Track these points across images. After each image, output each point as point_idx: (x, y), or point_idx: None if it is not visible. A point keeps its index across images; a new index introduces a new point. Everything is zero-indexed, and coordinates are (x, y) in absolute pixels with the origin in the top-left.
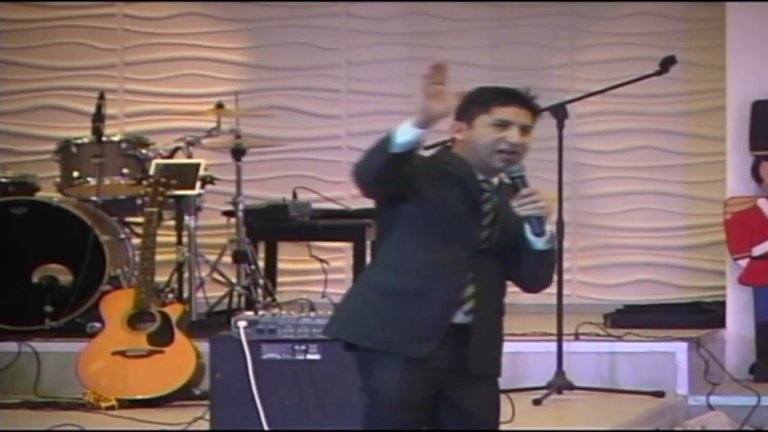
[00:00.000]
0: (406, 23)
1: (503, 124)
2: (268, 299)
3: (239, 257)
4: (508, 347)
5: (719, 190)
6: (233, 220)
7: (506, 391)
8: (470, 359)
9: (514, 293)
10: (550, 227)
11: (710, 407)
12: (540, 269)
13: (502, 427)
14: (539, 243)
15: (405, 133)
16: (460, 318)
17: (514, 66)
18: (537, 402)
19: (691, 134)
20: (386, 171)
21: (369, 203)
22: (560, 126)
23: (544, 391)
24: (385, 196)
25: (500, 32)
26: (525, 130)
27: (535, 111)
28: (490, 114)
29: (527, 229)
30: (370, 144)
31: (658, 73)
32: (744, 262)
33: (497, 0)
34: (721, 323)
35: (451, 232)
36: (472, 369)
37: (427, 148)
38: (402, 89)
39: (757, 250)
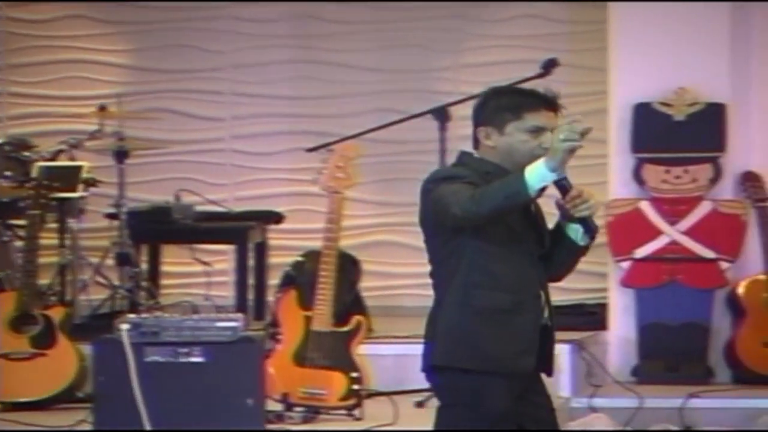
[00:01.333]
0: (291, 26)
1: (537, 131)
2: (151, 302)
3: (122, 260)
4: (392, 350)
5: (601, 192)
6: (116, 223)
7: (389, 394)
8: (549, 360)
9: (396, 295)
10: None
11: (593, 409)
12: (575, 262)
13: (386, 429)
14: (586, 239)
15: (542, 178)
16: (544, 319)
17: (399, 68)
18: (420, 404)
19: None
20: (509, 211)
21: (252, 206)
22: (442, 128)
23: (427, 394)
24: None
25: (386, 34)
26: (553, 132)
27: (558, 111)
28: (522, 120)
29: (579, 227)
30: (494, 190)
31: (540, 76)
32: (626, 265)
33: (382, 1)
34: (603, 325)
35: (517, 242)
36: (549, 369)
37: None
38: (286, 92)
39: (640, 253)
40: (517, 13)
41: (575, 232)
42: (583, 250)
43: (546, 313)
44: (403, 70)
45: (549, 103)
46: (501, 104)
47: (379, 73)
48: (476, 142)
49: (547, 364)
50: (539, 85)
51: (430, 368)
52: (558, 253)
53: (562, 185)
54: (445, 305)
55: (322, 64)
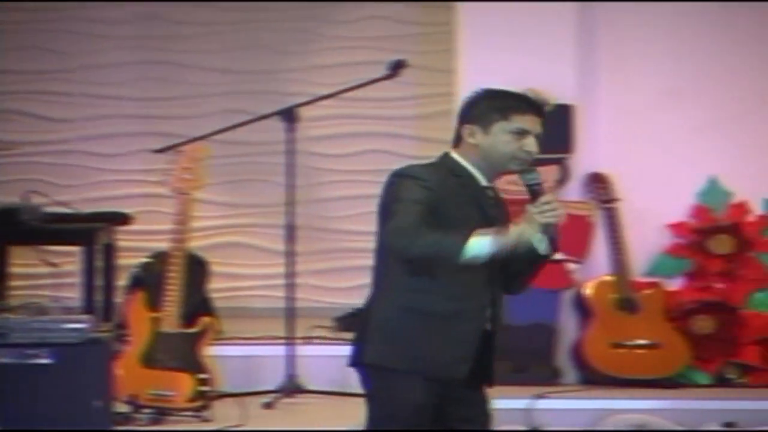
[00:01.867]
0: (140, 27)
1: (522, 133)
2: None
3: None
4: (241, 351)
5: None
6: None
7: (237, 395)
8: (488, 370)
9: (244, 297)
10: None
11: None
12: (534, 273)
13: (233, 431)
14: (548, 249)
15: (480, 250)
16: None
17: (247, 70)
18: (268, 405)
19: (421, 138)
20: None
21: (101, 208)
22: (290, 129)
23: (275, 395)
24: None
25: (233, 36)
26: (538, 138)
27: (544, 118)
28: (509, 122)
29: (541, 236)
30: (432, 240)
31: (388, 77)
32: None
33: (230, 1)
34: None
35: None
36: (490, 379)
37: None
38: (136, 93)
39: None
40: (366, 15)
41: (538, 240)
42: (542, 261)
43: (490, 324)
44: (252, 71)
45: (537, 109)
46: (491, 104)
47: (227, 75)
48: (458, 140)
49: (487, 374)
50: (387, 86)
51: (359, 365)
52: (517, 263)
53: (534, 190)
54: (383, 304)
55: (170, 65)
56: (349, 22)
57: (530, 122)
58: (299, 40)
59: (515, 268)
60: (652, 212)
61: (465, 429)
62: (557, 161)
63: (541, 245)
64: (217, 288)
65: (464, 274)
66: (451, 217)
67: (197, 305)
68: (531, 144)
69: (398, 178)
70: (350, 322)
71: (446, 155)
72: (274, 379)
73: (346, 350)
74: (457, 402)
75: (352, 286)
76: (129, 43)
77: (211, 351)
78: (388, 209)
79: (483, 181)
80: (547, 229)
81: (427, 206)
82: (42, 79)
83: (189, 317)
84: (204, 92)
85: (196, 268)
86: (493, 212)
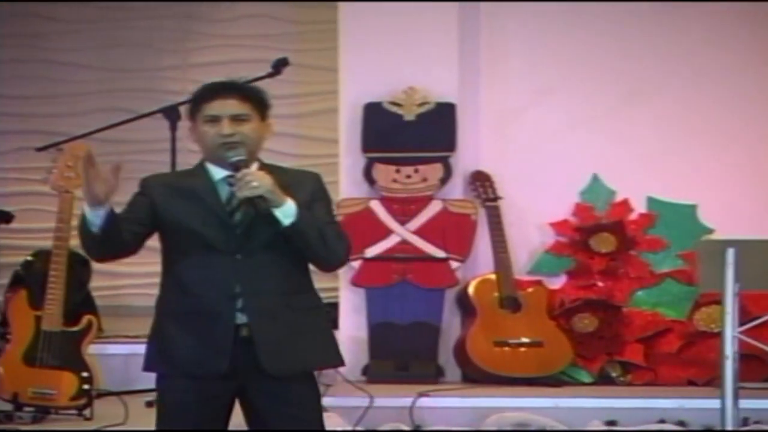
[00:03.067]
0: (14, 24)
1: (213, 119)
2: None
3: None
4: (121, 349)
5: (332, 192)
6: None
7: (119, 393)
8: (261, 359)
9: (125, 295)
10: (290, 202)
11: (323, 408)
12: (309, 246)
13: (116, 429)
14: (284, 219)
15: (88, 214)
16: (240, 320)
17: (125, 68)
18: (150, 404)
19: (303, 136)
20: (99, 244)
21: None
22: (173, 128)
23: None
24: (127, 251)
25: (111, 33)
26: (237, 118)
27: (247, 96)
28: (201, 112)
29: (258, 210)
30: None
31: (270, 75)
32: (356, 264)
33: (106, 1)
34: (334, 324)
35: (201, 245)
36: (268, 368)
37: None
38: (12, 90)
39: (370, 252)
40: (246, 13)
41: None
42: (299, 231)
43: (244, 316)
44: (130, 69)
45: (224, 91)
46: (192, 101)
47: (105, 72)
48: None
49: (263, 363)
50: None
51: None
52: (293, 243)
53: (237, 167)
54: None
55: (48, 63)
56: (227, 20)
57: (218, 107)
58: (178, 39)
59: (298, 248)
60: (535, 210)
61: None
62: (440, 159)
63: (278, 217)
64: (98, 286)
65: (204, 271)
66: (166, 221)
67: (79, 303)
68: (224, 127)
69: None
70: None
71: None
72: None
73: None
74: (267, 396)
75: None
76: (4, 42)
77: (93, 349)
78: None
79: (219, 174)
80: (256, 203)
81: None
82: None
83: (71, 316)
84: (82, 90)
85: (78, 267)
86: (238, 206)
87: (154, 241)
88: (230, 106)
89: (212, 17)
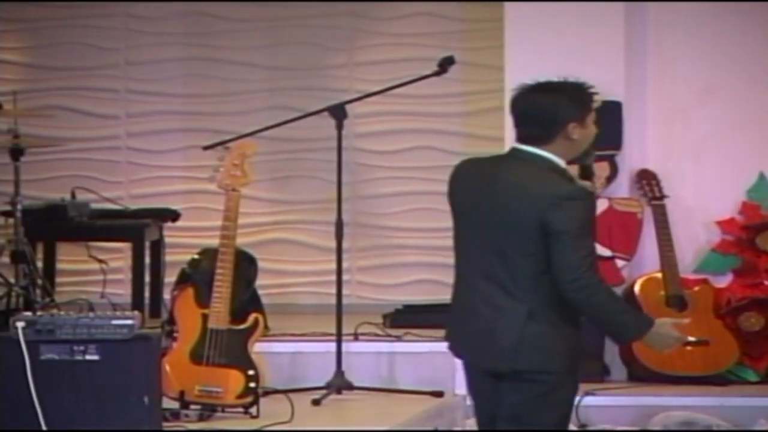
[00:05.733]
0: (184, 23)
1: (597, 121)
2: (47, 299)
3: (17, 257)
4: (288, 347)
5: None
6: (11, 220)
7: (286, 392)
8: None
9: (292, 293)
10: None
11: None
12: None
13: (282, 428)
14: None
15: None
16: None
17: (292, 66)
18: (316, 402)
19: (469, 134)
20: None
21: (148, 204)
22: (339, 126)
23: (323, 392)
24: None
25: (278, 32)
26: None
27: None
28: (593, 112)
29: None
30: (614, 313)
31: (436, 74)
32: None
33: (274, 0)
34: None
35: None
36: None
37: None
38: (180, 89)
39: None
40: (412, 11)
41: None
42: None
43: None
44: (297, 67)
45: (595, 94)
46: (577, 98)
47: (273, 71)
48: (551, 138)
49: None
50: (435, 83)
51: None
52: None
53: (589, 168)
54: (543, 312)
55: (216, 62)
56: (394, 18)
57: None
58: (344, 37)
59: None
60: (701, 209)
61: None
62: (607, 158)
63: None
64: (265, 284)
65: None
66: None
67: (246, 301)
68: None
69: (582, 201)
70: (399, 318)
71: (538, 156)
72: (323, 375)
73: (395, 347)
74: None
75: (400, 283)
76: (173, 40)
77: (259, 347)
78: (571, 234)
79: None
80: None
81: None
82: (87, 75)
83: (238, 314)
84: (250, 88)
85: (245, 265)
86: None
87: (321, 240)
88: None
89: (378, 15)
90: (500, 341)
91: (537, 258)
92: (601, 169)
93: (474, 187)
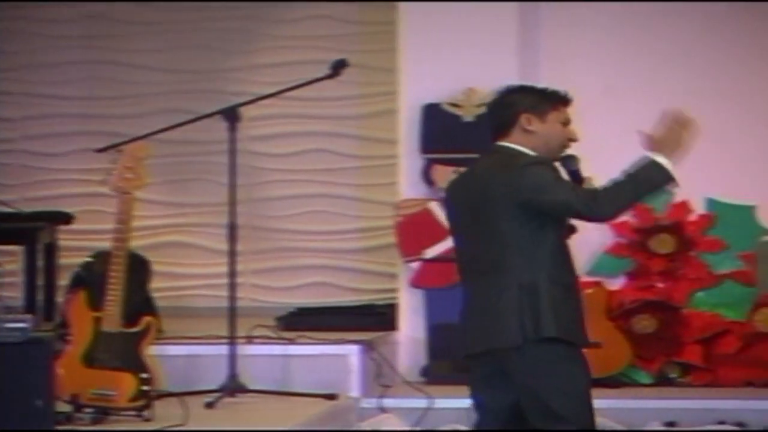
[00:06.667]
0: (83, 26)
1: (567, 123)
2: None
3: None
4: (182, 350)
5: (392, 192)
6: None
7: (180, 395)
8: None
9: (186, 296)
10: None
11: (383, 409)
12: None
13: (175, 430)
14: None
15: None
16: None
17: (190, 69)
18: (209, 405)
19: (363, 137)
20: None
21: (42, 207)
22: (232, 129)
23: (217, 394)
24: None
25: (176, 35)
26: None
27: None
28: (559, 112)
29: None
30: (635, 183)
31: (329, 77)
32: (415, 265)
33: (172, 1)
34: (393, 326)
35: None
36: None
37: None
38: (78, 92)
39: (429, 253)
40: (307, 14)
41: None
42: None
43: None
44: (193, 70)
45: (569, 100)
46: (539, 95)
47: (170, 74)
48: (508, 129)
49: None
50: (329, 85)
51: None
52: None
53: (577, 171)
54: (534, 281)
55: (114, 65)
56: (291, 21)
57: (569, 113)
58: (241, 40)
59: None
60: None
61: None
62: None
63: None
64: (159, 287)
65: (566, 249)
66: None
67: (139, 304)
68: (576, 133)
69: (544, 165)
70: (293, 321)
71: (502, 146)
72: (216, 378)
73: (289, 350)
74: None
75: (294, 286)
76: (72, 43)
77: (152, 350)
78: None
79: None
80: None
81: None
82: None
83: (131, 317)
84: (146, 91)
85: (138, 268)
86: None
87: (215, 243)
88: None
89: (274, 18)
90: (503, 319)
91: (521, 233)
92: (435, 172)
93: (456, 196)
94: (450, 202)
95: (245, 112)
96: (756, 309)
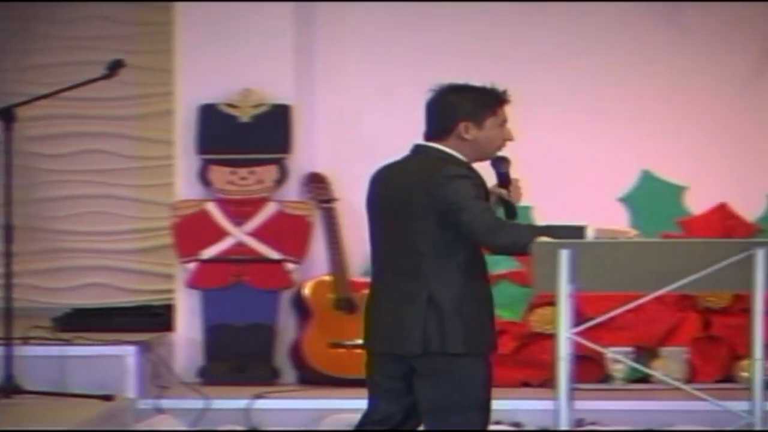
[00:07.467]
0: None
1: (503, 123)
2: None
3: None
4: None
5: (169, 193)
6: None
7: None
8: None
9: None
10: None
11: (159, 410)
12: None
13: None
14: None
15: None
16: None
17: None
18: None
19: (141, 138)
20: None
21: None
22: (7, 129)
23: None
24: None
25: None
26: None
27: None
28: (497, 116)
29: (502, 211)
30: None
31: (106, 77)
32: (192, 266)
33: None
34: (169, 327)
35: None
36: None
37: None
38: None
39: (206, 254)
40: (86, 14)
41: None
42: None
43: None
44: None
45: (507, 99)
46: (479, 100)
47: None
48: (446, 133)
49: None
50: (107, 86)
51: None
52: None
53: (506, 174)
54: (445, 294)
55: None
56: (68, 21)
57: (506, 112)
58: (16, 39)
59: None
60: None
61: None
62: (276, 161)
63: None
64: None
65: (482, 259)
66: None
67: None
68: (512, 133)
69: (467, 179)
70: (70, 322)
71: (433, 149)
72: None
73: (66, 351)
74: None
75: (71, 287)
76: None
77: None
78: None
79: None
80: (510, 207)
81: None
82: None
83: None
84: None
85: None
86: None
87: None
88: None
89: (50, 18)
90: (408, 326)
91: (436, 242)
92: (270, 173)
93: (380, 188)
94: (373, 194)
95: (21, 112)
96: (531, 309)
